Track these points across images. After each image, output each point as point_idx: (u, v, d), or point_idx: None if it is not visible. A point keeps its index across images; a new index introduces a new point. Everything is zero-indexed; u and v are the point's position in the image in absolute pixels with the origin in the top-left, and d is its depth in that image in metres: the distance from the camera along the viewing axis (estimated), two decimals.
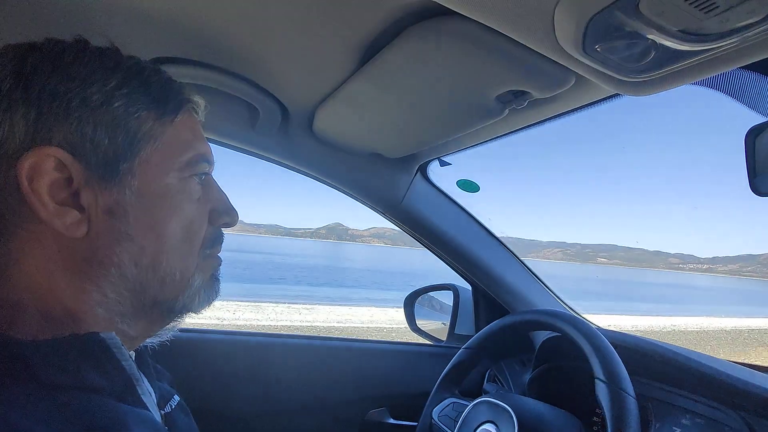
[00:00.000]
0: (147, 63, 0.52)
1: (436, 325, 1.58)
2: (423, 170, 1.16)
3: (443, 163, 1.11)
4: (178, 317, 0.56)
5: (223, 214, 0.58)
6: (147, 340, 0.57)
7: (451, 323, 1.47)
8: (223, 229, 0.59)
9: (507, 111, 0.73)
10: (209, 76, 0.82)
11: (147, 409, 0.46)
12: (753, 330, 14.85)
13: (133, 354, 0.56)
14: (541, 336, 1.16)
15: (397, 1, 0.58)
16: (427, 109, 0.78)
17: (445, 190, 1.21)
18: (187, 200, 0.52)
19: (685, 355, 0.88)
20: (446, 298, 1.56)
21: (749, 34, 0.43)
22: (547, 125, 0.84)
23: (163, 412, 0.58)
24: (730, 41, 0.45)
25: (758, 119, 0.63)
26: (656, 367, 0.93)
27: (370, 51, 0.68)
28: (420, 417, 1.01)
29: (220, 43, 0.73)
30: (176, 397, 0.63)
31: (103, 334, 0.42)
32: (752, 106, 0.64)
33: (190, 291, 0.53)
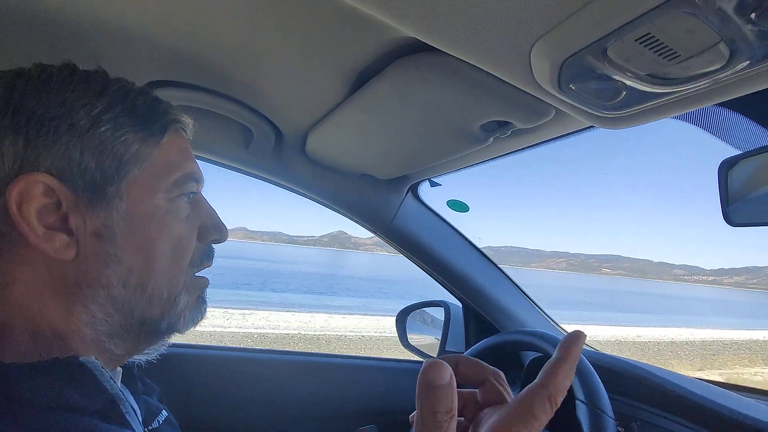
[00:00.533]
0: (133, 85, 0.53)
1: (428, 341, 1.60)
2: (414, 190, 1.18)
3: (433, 184, 1.13)
4: (164, 337, 0.56)
5: (212, 231, 0.58)
6: (134, 357, 0.58)
7: (442, 340, 1.48)
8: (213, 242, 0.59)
9: (491, 139, 0.76)
10: (204, 99, 0.84)
11: (130, 428, 0.46)
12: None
13: (120, 370, 0.57)
14: (530, 354, 1.18)
15: (386, 35, 0.61)
16: (414, 135, 0.81)
17: (437, 210, 1.23)
18: (175, 220, 0.52)
19: (661, 377, 0.90)
20: (438, 313, 1.57)
21: (713, 79, 0.46)
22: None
23: (149, 428, 0.59)
24: (696, 85, 0.47)
25: (732, 152, 0.66)
26: (638, 388, 0.94)
27: (360, 80, 0.71)
28: None
29: (215, 68, 0.75)
30: (164, 413, 0.64)
31: (83, 359, 0.43)
32: (724, 138, 0.66)
33: (175, 310, 0.53)
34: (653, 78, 0.47)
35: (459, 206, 1.15)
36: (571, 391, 0.79)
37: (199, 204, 0.58)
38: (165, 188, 0.51)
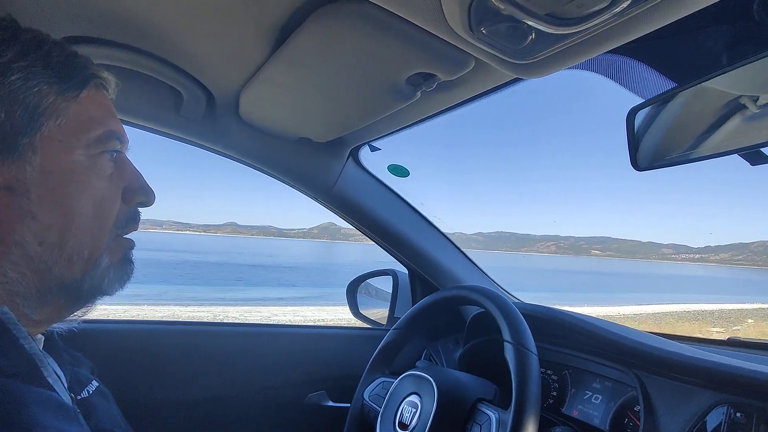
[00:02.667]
0: (47, 36, 0.50)
1: (378, 311, 1.63)
2: (354, 156, 1.18)
3: (373, 149, 1.14)
4: (88, 300, 0.55)
5: (137, 193, 0.57)
6: (55, 325, 0.56)
7: (390, 307, 1.52)
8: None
9: (419, 94, 0.77)
10: (127, 57, 0.81)
11: (53, 390, 0.45)
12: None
13: (41, 338, 0.55)
14: (472, 313, 1.22)
15: None
16: (343, 92, 0.81)
17: (379, 176, 1.24)
18: (96, 177, 0.51)
19: (589, 322, 0.96)
20: (387, 285, 1.60)
21: (606, 17, 0.48)
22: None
23: (79, 397, 0.57)
24: (592, 24, 0.50)
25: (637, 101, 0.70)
26: (567, 334, 1.00)
27: (283, 33, 0.70)
28: None
29: (135, 24, 0.72)
30: (95, 383, 0.63)
31: None
32: (631, 88, 0.71)
33: (97, 271, 0.52)
34: (552, 18, 0.49)
35: (400, 171, 1.17)
36: (500, 334, 0.83)
37: (123, 165, 0.56)
38: (84, 144, 0.50)
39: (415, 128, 1.00)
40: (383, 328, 1.50)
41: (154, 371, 1.12)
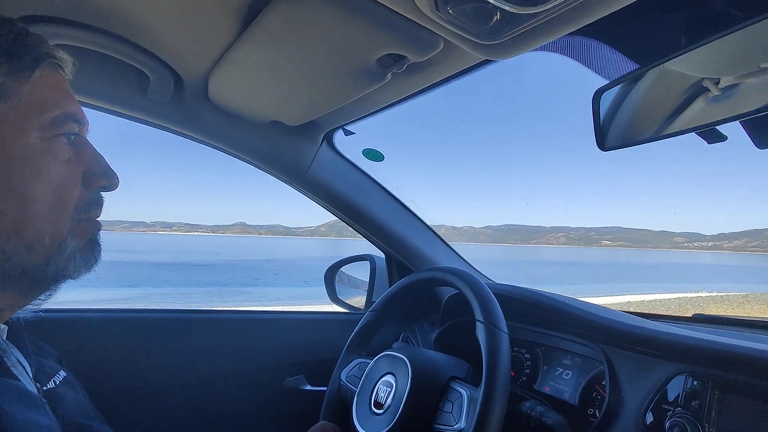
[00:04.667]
0: None
1: (355, 296, 1.64)
2: (329, 140, 1.18)
3: (347, 133, 1.14)
4: (53, 284, 0.53)
5: (99, 176, 0.55)
6: (20, 312, 0.55)
7: (368, 292, 1.53)
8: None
9: (390, 75, 0.77)
10: (88, 38, 0.78)
11: (17, 379, 0.44)
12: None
13: (5, 328, 0.54)
14: (446, 295, 1.24)
15: None
16: (314, 74, 0.80)
17: (354, 160, 1.24)
18: (53, 162, 0.50)
19: (558, 300, 0.99)
20: (364, 271, 1.61)
21: None
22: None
23: (45, 387, 0.56)
24: (555, 4, 0.50)
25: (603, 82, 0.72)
26: (536, 312, 1.03)
27: (251, 12, 0.69)
28: None
29: (96, 2, 0.69)
30: (62, 373, 0.61)
31: None
32: (597, 70, 0.72)
33: (62, 255, 0.51)
34: None
35: (374, 155, 1.17)
36: (473, 314, 0.85)
37: (82, 148, 0.55)
38: (39, 127, 0.48)
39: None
40: (361, 312, 1.51)
41: (126, 360, 1.10)
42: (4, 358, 0.44)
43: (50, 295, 0.55)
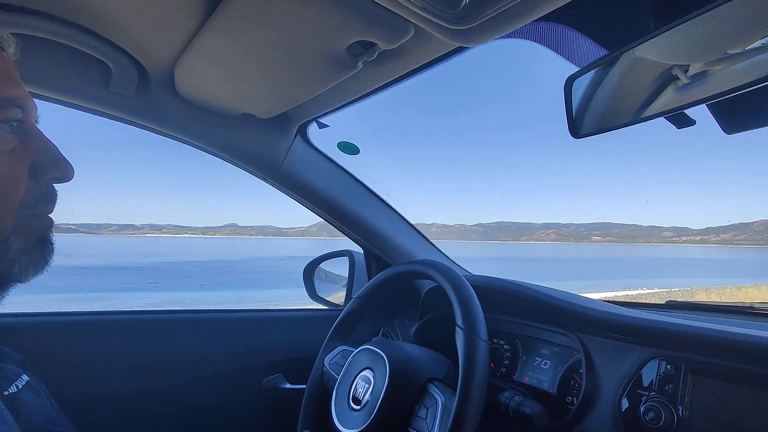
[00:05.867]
0: None
1: (335, 293, 1.62)
2: (302, 133, 1.15)
3: (321, 125, 1.11)
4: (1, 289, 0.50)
5: (49, 167, 0.52)
6: None
7: (348, 287, 1.51)
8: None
9: (360, 64, 0.75)
10: (44, 26, 0.74)
11: None
12: None
13: None
14: (425, 288, 1.23)
15: None
16: (283, 63, 0.78)
17: (329, 153, 1.22)
18: None
19: (534, 290, 0.99)
20: (342, 269, 1.59)
21: None
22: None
23: (6, 392, 0.53)
24: None
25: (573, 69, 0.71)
26: (513, 302, 1.03)
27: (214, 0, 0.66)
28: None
29: None
30: (24, 377, 0.58)
31: None
32: (569, 57, 0.72)
33: (6, 256, 0.47)
34: None
35: (349, 148, 1.15)
36: (452, 309, 0.84)
37: (29, 136, 0.51)
38: None
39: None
40: (339, 308, 1.49)
41: (98, 364, 1.07)
42: None
43: None
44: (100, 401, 1.05)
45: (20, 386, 0.56)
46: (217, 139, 1.07)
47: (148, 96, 0.95)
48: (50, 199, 0.53)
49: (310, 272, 1.62)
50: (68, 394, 1.00)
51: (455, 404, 0.71)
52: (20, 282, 0.51)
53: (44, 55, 0.84)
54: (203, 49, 0.77)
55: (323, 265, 1.65)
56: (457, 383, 0.74)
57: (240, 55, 0.76)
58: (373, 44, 0.70)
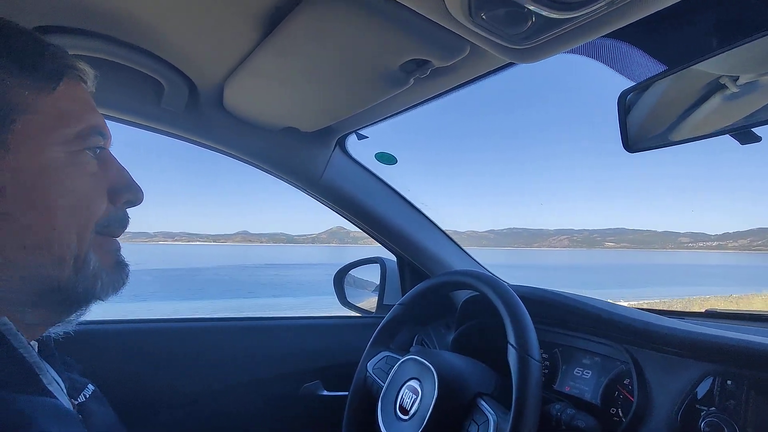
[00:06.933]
0: (16, 25, 0.47)
1: (365, 300, 1.63)
2: (341, 144, 1.17)
3: (360, 137, 1.13)
4: (82, 303, 0.52)
5: (123, 191, 0.54)
6: (51, 330, 0.54)
7: (379, 294, 1.52)
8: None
9: (412, 80, 0.76)
10: (104, 48, 0.77)
11: (54, 397, 0.43)
12: None
13: (35, 344, 0.53)
14: (461, 298, 1.24)
15: None
16: (335, 80, 0.79)
17: (365, 164, 1.23)
18: (78, 175, 0.49)
19: (581, 301, 0.99)
20: (373, 275, 1.60)
21: (601, 5, 0.49)
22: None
23: (76, 401, 0.56)
24: (591, 9, 0.50)
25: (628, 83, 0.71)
26: (561, 314, 1.03)
27: (272, 21, 0.68)
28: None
29: (112, 12, 0.68)
30: (90, 387, 0.61)
31: None
32: (622, 72, 0.72)
33: (87, 272, 0.50)
34: (553, 2, 0.49)
35: (387, 159, 1.16)
36: (492, 317, 0.84)
37: (107, 162, 0.54)
38: (63, 141, 0.47)
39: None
40: (373, 315, 1.50)
41: (144, 371, 1.10)
42: (41, 376, 0.43)
43: (80, 315, 0.54)
44: (141, 409, 1.07)
45: (87, 395, 0.59)
46: (259, 152, 1.09)
47: (196, 111, 0.97)
48: (123, 223, 0.56)
49: (340, 279, 1.63)
50: (113, 403, 1.03)
51: (509, 425, 0.71)
52: (101, 299, 0.53)
53: (101, 75, 0.87)
54: (256, 68, 0.78)
55: (353, 272, 1.66)
56: (506, 398, 0.74)
57: (291, 73, 0.78)
58: (427, 61, 0.71)
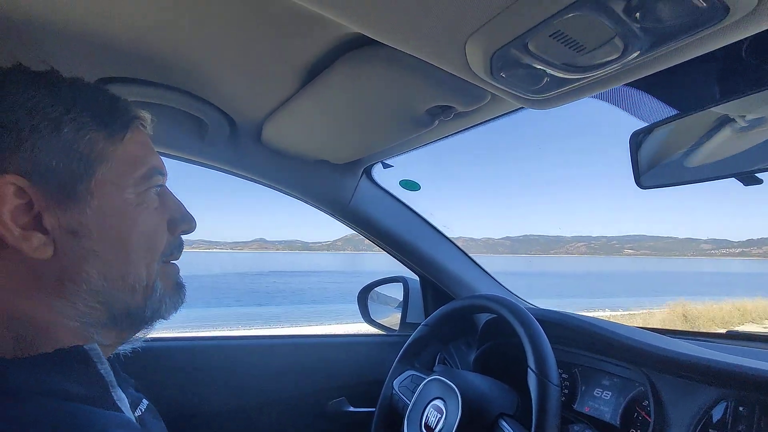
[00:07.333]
0: (90, 84, 0.54)
1: (388, 317, 1.68)
2: (368, 173, 1.24)
3: (386, 166, 1.20)
4: (149, 324, 0.59)
5: (180, 222, 0.61)
6: (119, 347, 0.60)
7: (402, 313, 1.57)
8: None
9: (437, 122, 0.83)
10: (156, 94, 0.85)
11: (121, 411, 0.49)
12: None
13: (106, 363, 0.60)
14: (483, 318, 1.28)
15: (333, 32, 0.65)
16: (366, 123, 0.86)
17: (391, 190, 1.30)
18: (145, 212, 0.55)
19: (598, 325, 1.02)
20: (396, 292, 1.65)
21: (615, 65, 0.54)
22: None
23: (137, 415, 0.62)
24: (602, 71, 0.56)
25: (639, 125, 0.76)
26: (580, 337, 1.06)
27: (311, 73, 0.75)
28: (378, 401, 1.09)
29: (164, 62, 0.76)
30: (145, 401, 0.67)
31: (86, 346, 0.46)
32: (633, 113, 0.77)
33: (154, 297, 0.56)
34: (567, 66, 0.55)
35: (411, 185, 1.22)
36: (513, 337, 0.88)
37: (166, 196, 0.60)
38: (133, 183, 0.54)
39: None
40: (397, 333, 1.55)
41: (171, 388, 1.15)
42: (112, 392, 0.48)
43: (146, 333, 0.61)
44: (169, 423, 1.13)
45: (143, 409, 0.64)
46: (293, 182, 1.16)
47: (236, 146, 1.05)
48: (180, 248, 0.63)
49: (364, 296, 1.69)
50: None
51: None
52: (165, 318, 0.60)
53: (153, 115, 0.95)
54: (294, 111, 0.86)
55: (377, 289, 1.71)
56: (527, 419, 0.78)
57: (328, 117, 0.85)
58: (450, 107, 0.77)
